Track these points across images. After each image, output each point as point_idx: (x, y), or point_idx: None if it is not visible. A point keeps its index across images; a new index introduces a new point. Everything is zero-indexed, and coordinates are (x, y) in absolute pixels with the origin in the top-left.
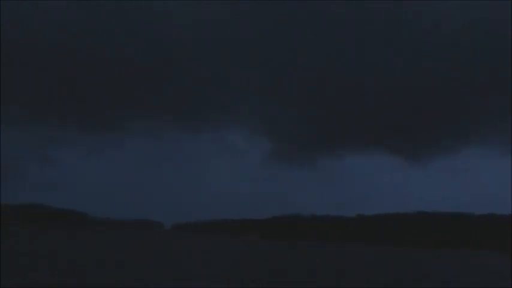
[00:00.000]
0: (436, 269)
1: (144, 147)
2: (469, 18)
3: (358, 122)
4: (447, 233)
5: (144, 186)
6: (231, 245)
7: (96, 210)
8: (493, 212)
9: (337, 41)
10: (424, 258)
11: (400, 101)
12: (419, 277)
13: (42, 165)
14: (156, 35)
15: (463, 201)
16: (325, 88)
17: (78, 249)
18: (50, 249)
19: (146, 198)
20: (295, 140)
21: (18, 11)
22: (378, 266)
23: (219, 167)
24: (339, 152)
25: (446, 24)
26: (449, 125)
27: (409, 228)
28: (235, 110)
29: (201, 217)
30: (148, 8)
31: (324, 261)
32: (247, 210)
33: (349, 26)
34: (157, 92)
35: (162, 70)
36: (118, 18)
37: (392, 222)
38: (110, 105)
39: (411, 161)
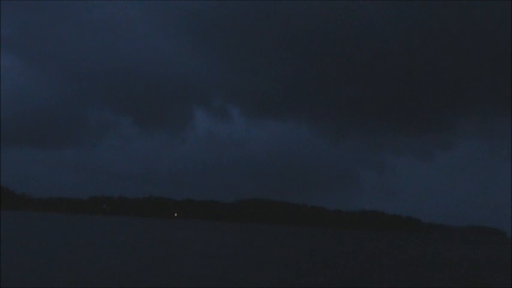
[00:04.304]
0: None
1: (475, 146)
2: None
3: None
4: None
5: (482, 189)
6: None
7: (428, 215)
8: None
9: None
10: None
11: None
12: None
13: (377, 172)
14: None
15: None
16: None
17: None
18: (406, 258)
19: (484, 203)
20: None
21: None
22: None
23: None
24: None
25: None
26: None
27: None
28: None
29: None
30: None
31: None
32: None
33: None
34: (486, 88)
35: (499, 65)
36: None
37: None
38: (437, 105)
39: None
